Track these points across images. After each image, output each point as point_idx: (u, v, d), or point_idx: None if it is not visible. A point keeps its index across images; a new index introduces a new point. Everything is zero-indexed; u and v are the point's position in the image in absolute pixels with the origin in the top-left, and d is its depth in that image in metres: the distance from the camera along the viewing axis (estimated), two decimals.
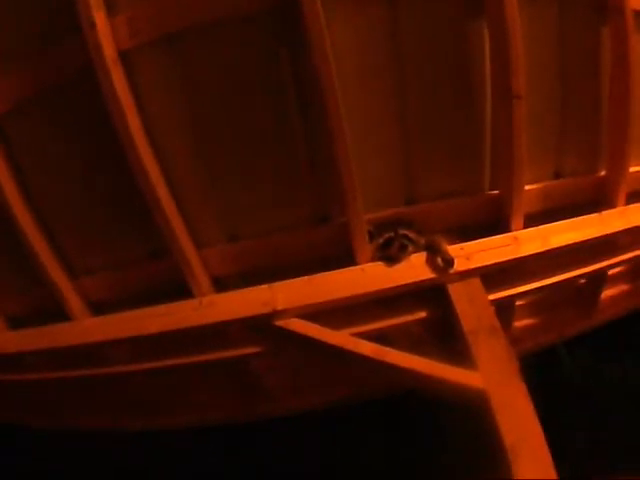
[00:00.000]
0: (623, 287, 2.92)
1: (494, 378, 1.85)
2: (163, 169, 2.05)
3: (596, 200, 2.45)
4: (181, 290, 2.20)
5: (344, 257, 2.12)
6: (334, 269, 2.10)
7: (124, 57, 1.89)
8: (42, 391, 2.75)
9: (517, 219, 2.21)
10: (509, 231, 2.21)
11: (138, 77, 1.95)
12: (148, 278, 2.32)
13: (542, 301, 2.64)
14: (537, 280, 2.27)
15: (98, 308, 2.42)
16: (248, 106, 2.01)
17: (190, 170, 2.12)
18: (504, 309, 2.37)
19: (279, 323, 2.06)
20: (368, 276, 2.08)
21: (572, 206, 2.39)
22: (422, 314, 2.13)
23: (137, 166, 1.98)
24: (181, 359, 2.24)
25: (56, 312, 2.39)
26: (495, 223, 2.24)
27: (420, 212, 2.19)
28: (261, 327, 2.10)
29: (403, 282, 2.06)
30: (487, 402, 1.83)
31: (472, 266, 2.07)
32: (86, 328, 2.34)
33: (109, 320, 2.30)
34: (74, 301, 2.38)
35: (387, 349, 1.96)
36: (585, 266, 2.36)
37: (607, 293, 2.84)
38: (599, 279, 2.63)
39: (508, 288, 2.22)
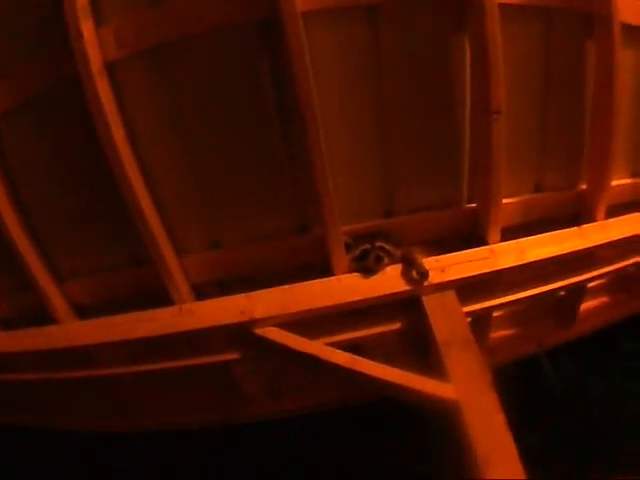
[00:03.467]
0: (603, 299, 2.94)
1: (466, 389, 1.88)
2: (146, 178, 2.09)
3: (576, 214, 2.48)
4: (164, 296, 2.23)
5: (322, 267, 2.15)
6: (312, 279, 2.13)
7: (110, 68, 1.93)
8: (28, 391, 2.78)
9: (494, 232, 2.23)
10: (486, 244, 2.24)
11: (124, 87, 1.98)
12: (132, 284, 2.35)
13: (520, 312, 2.66)
14: (514, 292, 2.30)
15: (83, 312, 2.46)
16: (231, 118, 2.05)
17: (173, 179, 2.15)
18: (481, 320, 2.40)
19: (256, 331, 2.09)
20: (344, 287, 2.11)
21: (552, 220, 2.41)
22: (397, 325, 2.16)
23: (120, 175, 2.02)
24: (161, 364, 2.27)
25: (42, 315, 2.43)
26: (472, 236, 2.27)
27: (397, 224, 2.22)
28: (239, 335, 2.13)
29: (378, 293, 2.08)
30: (459, 413, 1.86)
31: (447, 279, 2.10)
32: (71, 331, 2.38)
33: (94, 324, 2.34)
34: (60, 304, 2.42)
35: (360, 359, 1.99)
36: (563, 279, 2.38)
37: (587, 304, 2.86)
38: (578, 291, 2.65)
39: (484, 300, 2.24)
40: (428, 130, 2.14)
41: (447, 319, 2.03)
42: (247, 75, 1.98)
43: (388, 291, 2.09)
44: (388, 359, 2.06)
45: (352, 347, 2.10)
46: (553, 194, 2.43)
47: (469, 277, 2.13)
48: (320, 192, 1.98)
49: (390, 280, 2.11)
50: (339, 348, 2.06)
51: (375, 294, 2.08)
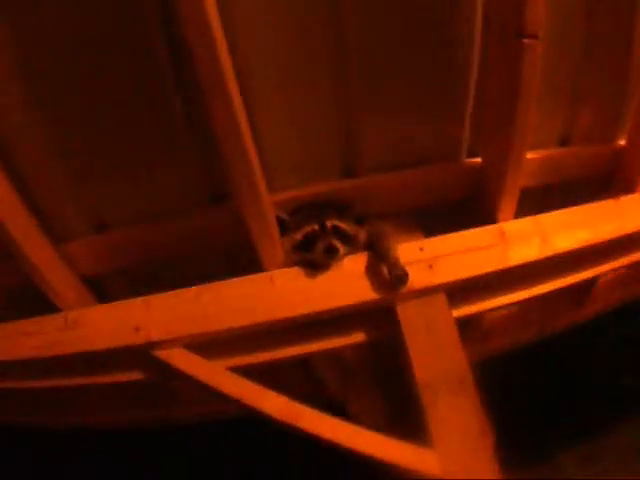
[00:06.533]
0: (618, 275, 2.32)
1: (457, 459, 1.28)
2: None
3: (610, 176, 1.86)
4: None
5: (248, 260, 1.46)
6: (237, 275, 1.47)
7: None
8: None
9: (508, 204, 1.57)
10: (494, 221, 1.58)
11: None
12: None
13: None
14: (524, 288, 1.65)
15: None
16: (104, 53, 1.30)
17: (32, 147, 1.41)
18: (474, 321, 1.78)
19: (157, 354, 1.46)
20: (279, 291, 1.43)
21: (579, 181, 1.80)
22: (359, 338, 1.48)
23: None
24: (60, 380, 1.64)
25: None
26: (473, 207, 1.63)
27: (362, 189, 1.54)
28: (136, 356, 1.50)
29: (330, 305, 1.40)
30: None
31: (436, 281, 1.43)
32: None
33: None
34: None
35: (301, 408, 1.32)
36: (591, 267, 1.75)
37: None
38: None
39: (482, 301, 1.59)
40: (411, 48, 1.41)
41: (432, 343, 1.37)
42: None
43: (344, 301, 1.40)
44: (345, 387, 1.43)
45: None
46: (583, 149, 1.82)
47: (467, 278, 1.46)
48: (234, 143, 1.24)
49: (349, 282, 1.42)
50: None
51: (325, 305, 1.40)
